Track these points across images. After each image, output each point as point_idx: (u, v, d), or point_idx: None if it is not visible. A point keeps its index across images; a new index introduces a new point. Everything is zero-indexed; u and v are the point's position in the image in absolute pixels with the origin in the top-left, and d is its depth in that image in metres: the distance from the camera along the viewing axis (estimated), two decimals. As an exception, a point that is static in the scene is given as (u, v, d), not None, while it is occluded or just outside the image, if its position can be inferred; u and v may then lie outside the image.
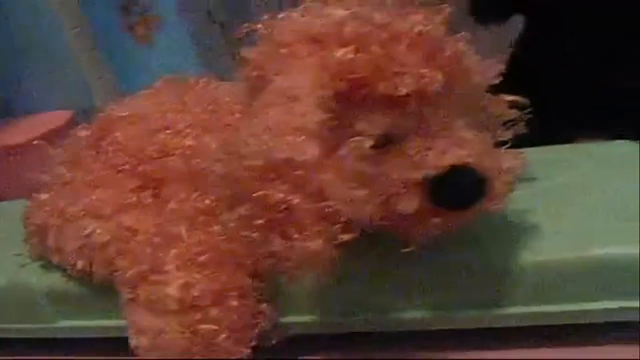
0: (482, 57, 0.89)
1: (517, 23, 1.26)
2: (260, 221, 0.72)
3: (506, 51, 1.29)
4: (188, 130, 0.96)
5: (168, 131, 0.97)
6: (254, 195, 0.72)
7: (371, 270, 0.87)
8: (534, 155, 0.99)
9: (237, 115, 0.92)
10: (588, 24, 1.17)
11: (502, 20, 1.25)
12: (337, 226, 0.73)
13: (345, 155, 0.75)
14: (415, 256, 0.79)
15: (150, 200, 0.94)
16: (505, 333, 0.86)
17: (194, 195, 0.90)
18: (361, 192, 0.74)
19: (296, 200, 0.71)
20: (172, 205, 0.91)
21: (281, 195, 0.71)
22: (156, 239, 0.87)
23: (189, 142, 0.95)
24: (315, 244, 0.72)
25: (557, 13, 1.20)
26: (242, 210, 0.73)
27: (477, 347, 0.87)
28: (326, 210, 0.72)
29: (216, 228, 0.85)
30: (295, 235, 0.72)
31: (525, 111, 0.93)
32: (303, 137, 0.72)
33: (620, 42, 1.16)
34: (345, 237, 0.73)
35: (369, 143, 0.75)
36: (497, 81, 0.92)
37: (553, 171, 0.98)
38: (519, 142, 0.92)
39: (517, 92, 0.94)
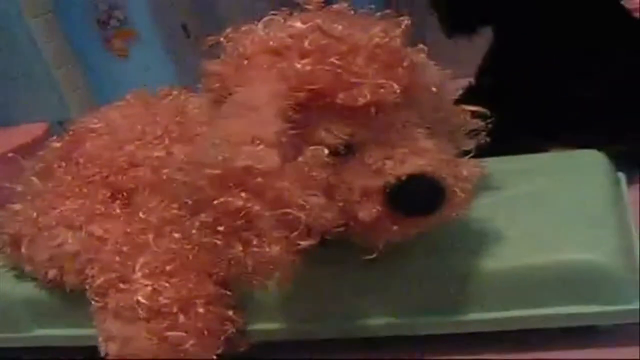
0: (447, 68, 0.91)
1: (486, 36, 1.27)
2: (221, 228, 0.73)
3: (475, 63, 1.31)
4: (157, 142, 0.98)
5: (137, 142, 0.98)
6: (215, 202, 0.73)
7: (333, 278, 0.89)
8: (500, 164, 1.01)
9: (205, 126, 0.93)
10: (555, 37, 1.19)
11: (471, 33, 1.26)
12: (296, 233, 0.74)
13: (304, 163, 0.76)
14: (378, 263, 0.80)
15: (119, 210, 0.95)
16: (500, 336, 0.87)
17: (163, 204, 0.91)
18: (320, 199, 0.75)
19: (256, 208, 0.72)
20: (140, 214, 0.92)
21: (241, 202, 0.72)
22: (125, 248, 0.89)
23: (157, 153, 0.96)
24: (274, 250, 0.73)
25: (525, 26, 1.21)
26: (203, 217, 0.74)
27: (475, 350, 0.89)
28: (285, 217, 0.73)
29: (182, 236, 0.87)
30: (255, 242, 0.73)
31: (488, 121, 0.94)
32: (262, 146, 0.73)
33: (585, 54, 1.18)
34: (305, 243, 0.74)
35: (327, 151, 0.77)
36: (462, 92, 0.94)
37: (518, 180, 1.00)
38: (485, 152, 0.94)
39: (487, 104, 0.96)
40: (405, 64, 0.79)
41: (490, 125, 0.95)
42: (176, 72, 1.86)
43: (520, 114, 1.14)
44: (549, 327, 0.85)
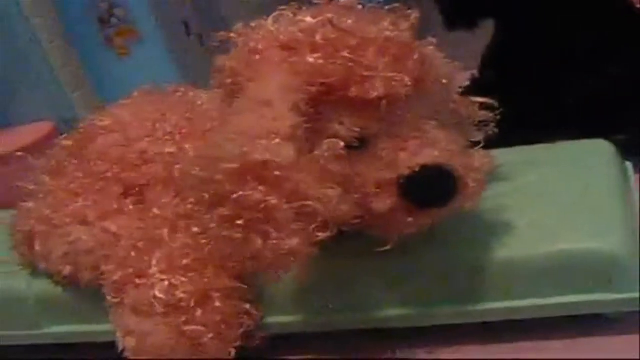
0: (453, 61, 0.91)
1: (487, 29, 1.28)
2: (240, 222, 0.74)
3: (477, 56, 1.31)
4: (168, 138, 0.98)
5: (148, 139, 0.99)
6: (233, 196, 0.74)
7: (348, 270, 0.90)
8: (506, 155, 1.01)
9: (216, 122, 0.93)
10: (558, 30, 1.19)
11: (472, 26, 1.26)
12: (314, 225, 0.75)
13: (320, 156, 0.77)
14: (392, 254, 0.81)
15: (132, 206, 0.96)
16: (505, 325, 0.88)
17: (176, 200, 0.92)
18: (337, 192, 0.76)
19: (274, 201, 0.73)
20: (155, 210, 0.93)
21: (259, 196, 0.73)
22: (140, 244, 0.90)
23: (169, 149, 0.97)
24: (293, 242, 0.74)
25: (527, 19, 1.22)
26: (222, 211, 0.75)
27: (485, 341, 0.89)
28: (303, 209, 0.74)
29: (198, 230, 0.87)
30: (274, 235, 0.74)
31: (496, 112, 0.95)
32: (278, 140, 0.74)
33: (587, 45, 1.18)
34: (323, 235, 0.76)
35: (342, 143, 0.78)
36: (466, 84, 0.95)
37: (525, 170, 1.00)
38: (492, 143, 0.95)
39: (490, 96, 0.97)
40: (415, 56, 0.80)
41: (498, 117, 0.96)
42: (177, 71, 1.85)
43: (523, 107, 1.14)
44: (557, 316, 0.86)
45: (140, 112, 1.04)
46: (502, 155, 0.99)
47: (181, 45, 1.87)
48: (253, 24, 0.85)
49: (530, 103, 1.18)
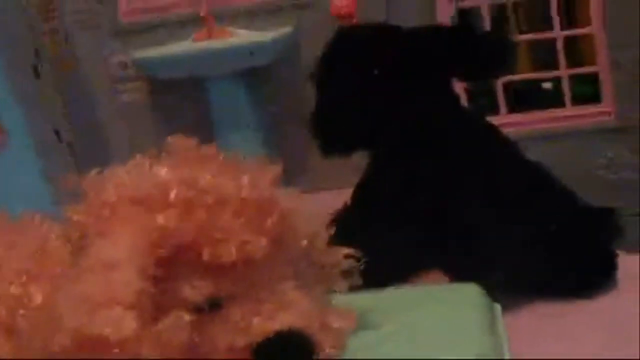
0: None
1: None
2: None
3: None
4: (14, 277, 0.91)
5: None
6: None
7: None
8: (377, 298, 1.01)
9: (65, 266, 0.87)
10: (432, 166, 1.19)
11: (347, 154, 1.25)
12: None
13: (164, 330, 0.73)
14: None
15: None
16: None
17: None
18: None
19: None
20: None
21: None
22: None
23: (14, 290, 0.90)
24: None
25: (400, 153, 1.21)
26: None
27: None
28: None
29: None
30: None
31: (360, 263, 0.93)
32: (119, 309, 0.70)
33: (471, 182, 1.18)
34: None
35: (187, 317, 0.74)
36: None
37: (398, 314, 0.98)
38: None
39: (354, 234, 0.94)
40: (274, 216, 0.78)
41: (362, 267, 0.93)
42: (47, 177, 1.80)
43: (392, 246, 1.13)
44: None
45: None
46: (370, 299, 0.97)
47: (51, 153, 1.82)
48: (106, 172, 0.81)
49: (399, 242, 1.17)
